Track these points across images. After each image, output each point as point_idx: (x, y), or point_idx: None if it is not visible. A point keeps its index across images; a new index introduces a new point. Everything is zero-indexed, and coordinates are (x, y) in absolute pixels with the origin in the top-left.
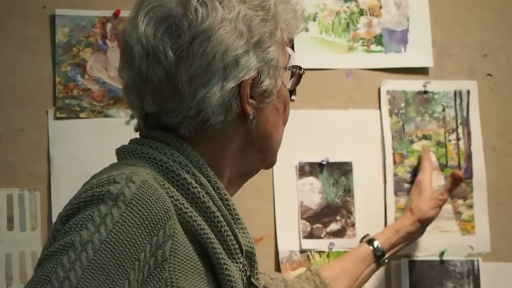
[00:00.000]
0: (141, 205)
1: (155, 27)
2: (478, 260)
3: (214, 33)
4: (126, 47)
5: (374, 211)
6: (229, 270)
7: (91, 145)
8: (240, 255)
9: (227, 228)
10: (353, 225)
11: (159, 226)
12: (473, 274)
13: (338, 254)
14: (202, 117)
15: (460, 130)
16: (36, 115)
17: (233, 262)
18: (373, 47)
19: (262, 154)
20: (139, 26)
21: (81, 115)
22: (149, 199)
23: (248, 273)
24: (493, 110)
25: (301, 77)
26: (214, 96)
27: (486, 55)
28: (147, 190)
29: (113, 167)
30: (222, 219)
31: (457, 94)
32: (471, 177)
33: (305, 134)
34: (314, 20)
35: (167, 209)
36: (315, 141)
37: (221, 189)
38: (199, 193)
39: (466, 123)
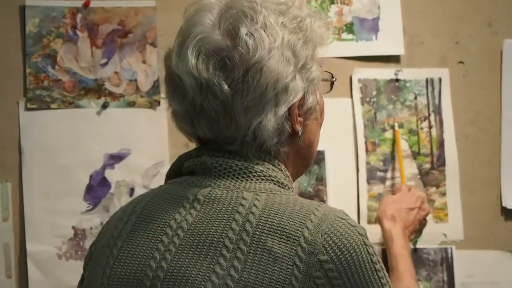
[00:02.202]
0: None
1: (206, 60)
2: (451, 248)
3: (265, 63)
4: (173, 78)
5: (347, 200)
6: None
7: (62, 136)
8: None
9: None
10: None
11: None
12: (447, 262)
13: None
14: (258, 142)
15: (432, 117)
16: (6, 106)
17: None
18: (344, 35)
19: (306, 160)
20: (188, 58)
21: (52, 106)
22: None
23: None
24: (465, 97)
25: (333, 84)
26: (270, 122)
27: (458, 42)
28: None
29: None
30: None
31: (429, 82)
32: (443, 165)
33: None
34: None
35: None
36: None
37: None
38: None
39: (438, 110)
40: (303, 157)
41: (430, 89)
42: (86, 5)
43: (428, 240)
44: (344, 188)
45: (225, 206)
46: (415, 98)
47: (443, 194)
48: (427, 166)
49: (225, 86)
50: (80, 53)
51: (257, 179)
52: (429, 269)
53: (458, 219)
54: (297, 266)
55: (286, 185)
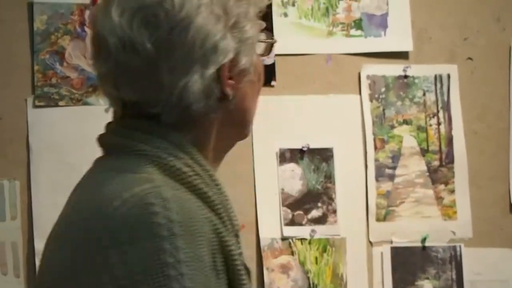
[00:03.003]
0: (189, 221)
1: (130, 17)
2: (460, 246)
3: (192, 20)
4: (98, 37)
5: (355, 197)
6: (234, 251)
7: (70, 133)
8: (236, 237)
9: (224, 215)
10: (334, 211)
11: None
12: (455, 260)
13: (319, 241)
14: (184, 104)
15: (440, 114)
16: (14, 104)
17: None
18: (353, 31)
19: (240, 127)
20: (112, 16)
21: (60, 103)
22: (190, 212)
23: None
24: (473, 94)
25: (272, 46)
26: (196, 84)
27: (466, 38)
28: (184, 202)
29: (122, 177)
30: (220, 206)
31: (438, 78)
32: (452, 162)
33: (285, 120)
34: (294, 5)
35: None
36: (295, 127)
37: (212, 175)
38: (199, 184)
39: (446, 107)
40: (237, 124)
41: (438, 85)
42: (94, 1)
43: (437, 238)
44: (352, 185)
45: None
46: (424, 94)
47: (452, 191)
48: (436, 163)
49: (148, 45)
50: (88, 50)
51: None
52: (437, 267)
53: (467, 217)
54: None
55: (173, 165)
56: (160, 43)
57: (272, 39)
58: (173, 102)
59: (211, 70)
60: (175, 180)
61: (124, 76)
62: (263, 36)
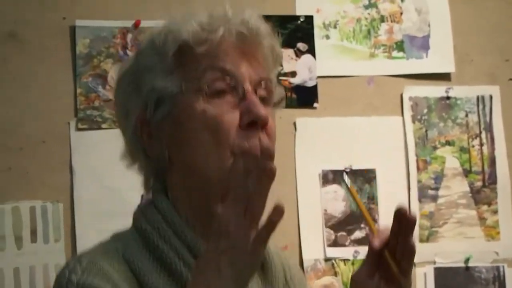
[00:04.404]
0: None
1: None
2: (503, 266)
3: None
4: None
5: None
6: None
7: (113, 156)
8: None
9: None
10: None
11: None
12: (499, 280)
13: None
14: (144, 171)
15: (483, 135)
16: (57, 127)
17: None
18: (395, 53)
19: (197, 190)
20: None
21: (103, 125)
22: (93, 281)
23: None
24: None
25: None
26: (127, 148)
27: (508, 60)
28: (94, 268)
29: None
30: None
31: (480, 100)
32: (495, 182)
33: (328, 141)
34: (335, 27)
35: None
36: (338, 148)
37: (193, 248)
38: (171, 258)
39: (489, 128)
40: (193, 184)
41: (481, 106)
42: (136, 25)
43: (480, 259)
44: (395, 206)
45: None
46: (466, 115)
47: (495, 212)
48: (479, 184)
49: None
50: None
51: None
52: (481, 287)
53: (510, 237)
54: None
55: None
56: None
57: (211, 90)
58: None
59: (129, 132)
60: (149, 252)
61: None
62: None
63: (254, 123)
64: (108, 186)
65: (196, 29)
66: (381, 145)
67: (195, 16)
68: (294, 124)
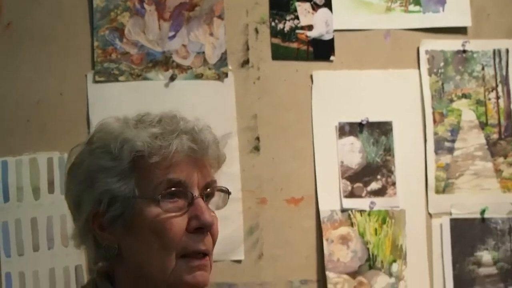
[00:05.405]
0: None
1: None
2: None
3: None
4: None
5: (414, 170)
6: None
7: (130, 108)
8: None
9: None
10: (393, 184)
11: None
12: None
13: (379, 213)
14: (90, 257)
15: (499, 88)
16: (74, 80)
17: None
18: (411, 7)
19: (147, 285)
20: None
21: (120, 78)
22: None
23: None
24: None
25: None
26: (75, 237)
27: None
28: None
29: None
30: None
31: (496, 53)
32: (511, 135)
33: (345, 94)
34: None
35: None
36: (355, 101)
37: None
38: None
39: (505, 81)
40: (141, 280)
41: (497, 60)
42: None
43: (496, 210)
44: (411, 158)
45: None
46: (483, 69)
47: (511, 164)
48: (495, 136)
49: None
50: (148, 26)
51: None
52: (496, 238)
53: None
54: None
55: None
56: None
57: (164, 198)
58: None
59: (80, 223)
60: None
61: None
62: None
63: (200, 228)
64: None
65: (150, 142)
66: (397, 98)
67: (149, 128)
68: (311, 77)
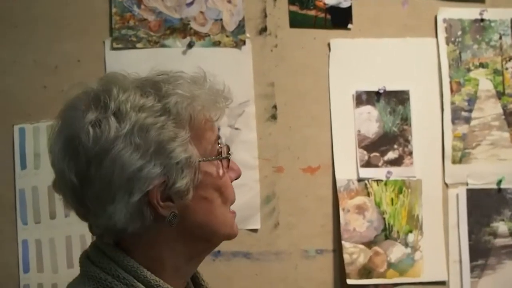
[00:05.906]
0: None
1: (63, 150)
2: None
3: (106, 155)
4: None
5: (431, 139)
6: None
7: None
8: None
9: None
10: (410, 153)
11: None
12: None
13: (395, 183)
14: (119, 228)
15: None
16: (92, 46)
17: None
18: None
19: (203, 241)
20: (52, 147)
21: (138, 45)
22: None
23: None
24: None
25: (229, 160)
26: (121, 211)
27: None
28: None
29: None
30: None
31: None
32: None
33: (362, 63)
34: None
35: None
36: (372, 70)
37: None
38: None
39: None
40: (199, 237)
41: None
42: None
43: None
44: (428, 127)
45: None
46: (500, 38)
47: None
48: None
49: (73, 176)
50: None
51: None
52: None
53: None
54: None
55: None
56: (82, 176)
57: (228, 151)
58: (110, 226)
59: (136, 197)
60: None
61: (69, 203)
62: (212, 152)
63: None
64: None
65: (219, 108)
66: (414, 66)
67: (217, 93)
68: (328, 45)
